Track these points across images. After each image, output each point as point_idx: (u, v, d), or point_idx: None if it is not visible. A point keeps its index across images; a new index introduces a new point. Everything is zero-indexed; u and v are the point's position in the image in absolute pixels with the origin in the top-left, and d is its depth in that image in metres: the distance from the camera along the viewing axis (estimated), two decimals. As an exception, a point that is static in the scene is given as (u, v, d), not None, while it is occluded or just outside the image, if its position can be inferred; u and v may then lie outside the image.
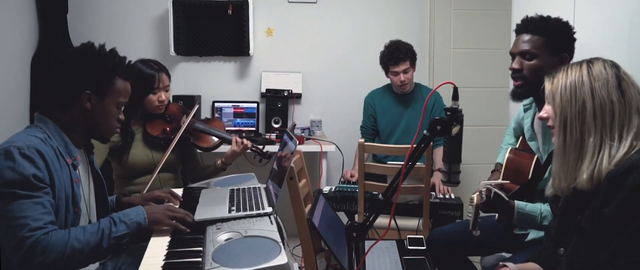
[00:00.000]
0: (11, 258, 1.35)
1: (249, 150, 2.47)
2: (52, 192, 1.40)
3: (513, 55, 1.81)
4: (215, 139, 2.47)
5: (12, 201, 1.32)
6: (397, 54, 2.92)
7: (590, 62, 1.30)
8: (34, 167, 1.36)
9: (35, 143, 1.40)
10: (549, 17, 1.78)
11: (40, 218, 1.34)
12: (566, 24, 1.78)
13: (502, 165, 2.02)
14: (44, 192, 1.37)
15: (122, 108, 1.62)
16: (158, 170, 2.22)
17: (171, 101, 2.44)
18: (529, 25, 1.78)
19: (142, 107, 2.32)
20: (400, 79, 2.97)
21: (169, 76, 2.36)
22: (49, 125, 1.50)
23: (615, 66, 1.28)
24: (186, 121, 2.37)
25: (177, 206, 1.79)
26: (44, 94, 3.05)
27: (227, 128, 3.19)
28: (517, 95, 1.83)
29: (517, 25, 1.82)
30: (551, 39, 1.74)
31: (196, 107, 2.48)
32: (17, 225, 1.31)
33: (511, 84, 1.85)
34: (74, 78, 1.52)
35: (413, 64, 3.00)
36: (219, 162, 2.46)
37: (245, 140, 2.40)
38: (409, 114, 3.10)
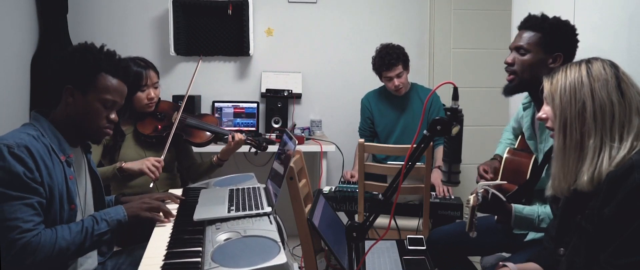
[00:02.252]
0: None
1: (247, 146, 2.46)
2: (43, 189, 1.41)
3: (511, 50, 1.85)
4: (209, 134, 2.44)
5: (2, 202, 1.34)
6: (388, 60, 2.90)
7: (588, 62, 1.29)
8: (24, 166, 1.37)
9: (26, 141, 1.40)
10: (550, 17, 1.80)
11: (30, 220, 1.36)
12: (566, 24, 1.79)
13: (501, 156, 2.02)
14: (34, 193, 1.38)
15: (113, 107, 1.58)
16: (167, 146, 2.22)
17: (161, 99, 2.42)
18: (528, 21, 1.81)
19: (131, 106, 2.28)
20: (394, 84, 2.97)
21: (157, 73, 2.33)
22: (42, 123, 1.50)
23: (614, 66, 1.28)
24: (177, 117, 2.33)
25: (177, 206, 1.79)
26: (45, 94, 3.05)
27: (227, 128, 3.20)
28: (508, 90, 1.86)
29: (521, 21, 1.85)
30: (547, 37, 1.76)
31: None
32: (8, 226, 1.33)
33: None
34: (57, 72, 1.52)
35: (406, 67, 2.99)
36: (214, 158, 2.45)
37: (239, 136, 2.38)
38: (406, 115, 3.10)
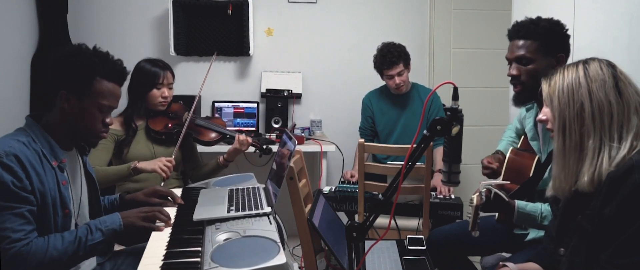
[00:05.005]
0: None
1: (251, 148, 2.51)
2: (34, 197, 1.39)
3: (509, 61, 1.82)
4: (215, 134, 2.51)
5: None
6: (389, 58, 2.91)
7: (586, 62, 1.29)
8: (12, 175, 1.35)
9: (16, 149, 1.38)
10: (539, 19, 1.78)
11: (20, 229, 1.35)
12: (557, 23, 1.78)
13: (502, 152, 2.01)
14: (24, 202, 1.37)
15: (109, 111, 1.57)
16: (177, 146, 2.28)
17: (173, 101, 2.50)
18: (520, 30, 1.78)
19: (145, 103, 2.37)
20: (395, 82, 2.97)
21: (173, 75, 2.44)
22: (34, 129, 1.49)
23: (611, 66, 1.28)
24: (188, 116, 2.41)
25: (176, 207, 1.78)
26: (45, 94, 3.05)
27: (227, 128, 3.21)
28: (518, 101, 1.84)
29: (509, 31, 1.83)
30: (544, 42, 1.74)
31: (208, 71, 2.53)
32: None
33: (511, 88, 1.85)
34: (52, 77, 1.51)
35: (407, 65, 3.00)
36: (220, 159, 2.49)
37: (246, 137, 2.44)
38: (406, 115, 3.10)
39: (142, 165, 2.18)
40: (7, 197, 1.34)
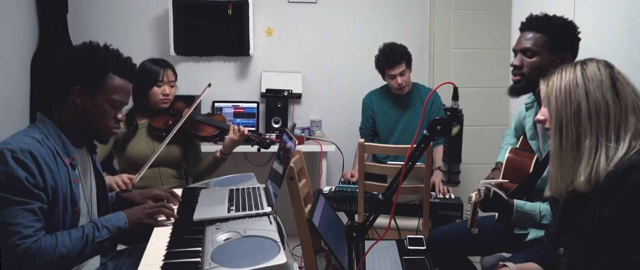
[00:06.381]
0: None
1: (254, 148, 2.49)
2: (45, 194, 1.40)
3: (515, 52, 1.82)
4: (214, 129, 2.52)
5: (4, 207, 1.34)
6: (392, 58, 2.91)
7: (583, 63, 1.30)
8: (27, 171, 1.36)
9: (30, 145, 1.39)
10: (553, 16, 1.79)
11: (31, 226, 1.36)
12: (570, 23, 1.78)
13: (502, 164, 2.02)
14: (36, 198, 1.38)
15: (120, 107, 1.59)
16: (156, 155, 2.26)
17: (176, 100, 2.52)
18: (532, 22, 1.79)
19: (146, 101, 2.39)
20: (397, 82, 2.97)
21: (175, 73, 2.46)
22: (47, 126, 1.50)
23: (609, 66, 1.28)
24: (188, 112, 2.41)
25: (176, 207, 1.79)
26: (46, 94, 3.05)
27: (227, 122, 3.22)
28: (514, 91, 1.84)
29: (522, 22, 1.83)
30: (553, 38, 1.74)
31: (200, 98, 2.52)
32: (9, 231, 1.33)
33: (511, 81, 1.85)
34: (64, 73, 1.52)
35: (409, 65, 3.00)
36: (217, 153, 2.49)
37: (242, 128, 2.43)
38: (407, 115, 3.10)
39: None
40: (20, 192, 1.35)
